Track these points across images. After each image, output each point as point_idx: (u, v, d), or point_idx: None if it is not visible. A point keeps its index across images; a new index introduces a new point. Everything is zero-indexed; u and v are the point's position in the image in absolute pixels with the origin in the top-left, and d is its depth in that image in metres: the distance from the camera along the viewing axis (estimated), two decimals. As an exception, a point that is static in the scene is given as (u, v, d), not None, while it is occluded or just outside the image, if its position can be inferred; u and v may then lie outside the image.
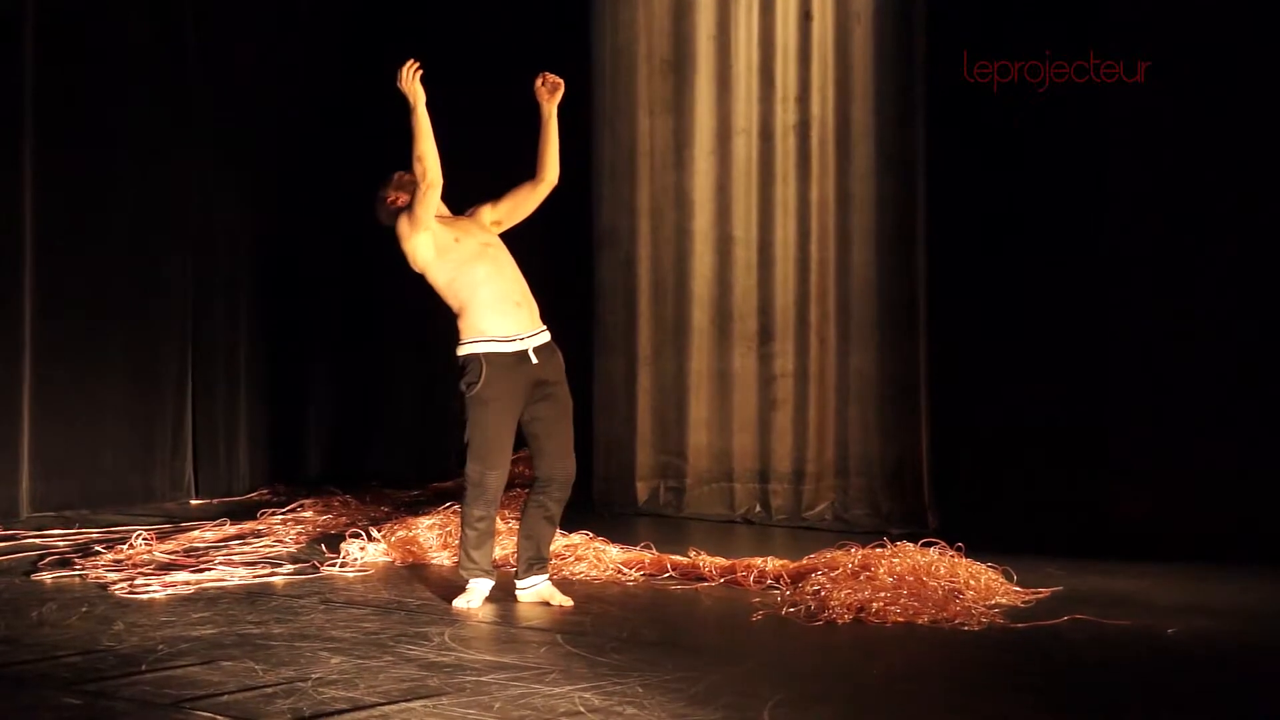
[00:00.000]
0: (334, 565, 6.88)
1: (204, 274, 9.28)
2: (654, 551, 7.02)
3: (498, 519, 6.37)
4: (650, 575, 6.79)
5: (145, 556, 6.95)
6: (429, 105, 5.99)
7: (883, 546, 6.49)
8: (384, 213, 6.26)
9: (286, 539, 7.59)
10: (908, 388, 8.42)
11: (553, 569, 6.46)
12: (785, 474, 8.75)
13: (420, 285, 6.28)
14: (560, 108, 6.29)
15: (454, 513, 7.32)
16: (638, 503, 9.07)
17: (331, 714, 4.44)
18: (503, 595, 6.18)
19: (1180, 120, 7.95)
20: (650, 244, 9.13)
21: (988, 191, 8.43)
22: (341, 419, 10.16)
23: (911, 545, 6.52)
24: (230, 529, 7.76)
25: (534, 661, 5.12)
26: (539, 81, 6.28)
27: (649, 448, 9.12)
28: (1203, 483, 7.80)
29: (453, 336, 6.16)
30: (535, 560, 6.19)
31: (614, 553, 7.03)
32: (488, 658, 5.19)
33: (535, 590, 6.17)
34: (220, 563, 6.86)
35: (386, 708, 4.50)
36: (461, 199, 6.39)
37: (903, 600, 5.92)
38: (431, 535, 7.26)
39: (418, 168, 6.01)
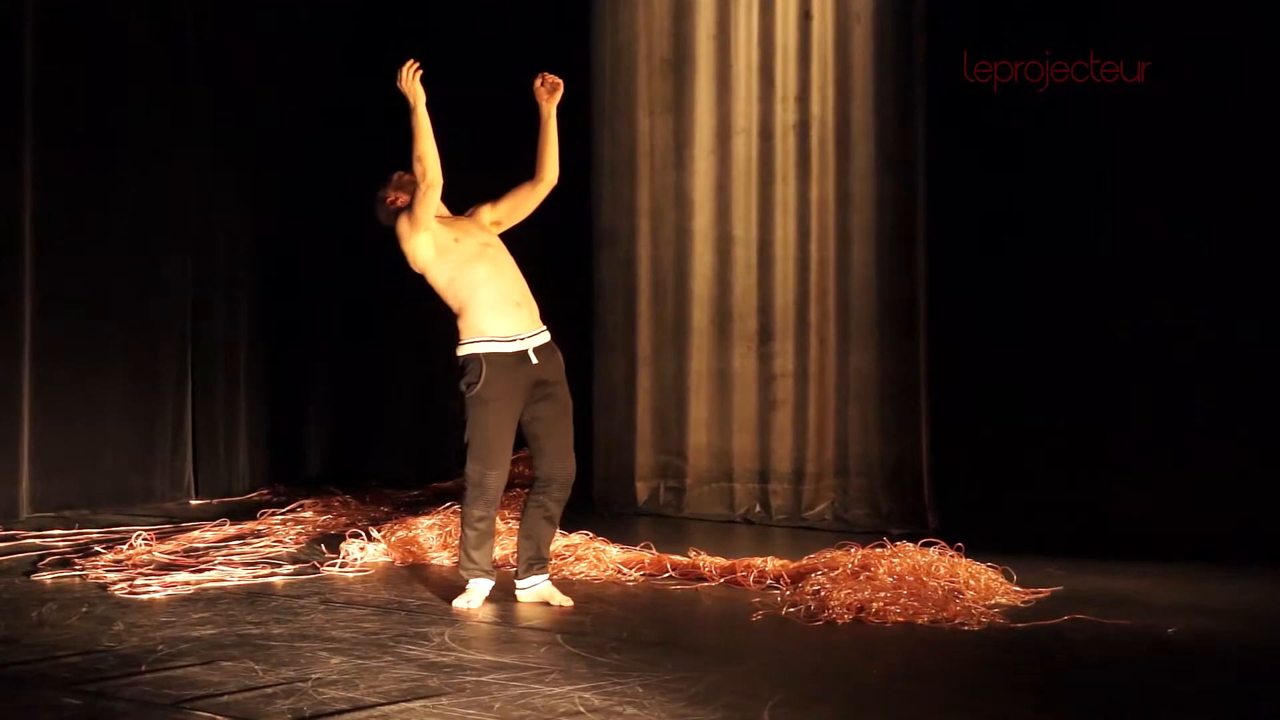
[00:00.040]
0: (334, 565, 6.88)
1: (204, 274, 9.28)
2: (654, 551, 7.02)
3: (498, 519, 6.37)
4: (650, 575, 6.79)
5: (145, 557, 6.95)
6: (429, 105, 5.99)
7: (883, 546, 6.50)
8: (384, 213, 6.26)
9: (286, 539, 7.59)
10: (908, 388, 8.42)
11: (553, 569, 6.46)
12: (785, 474, 8.75)
13: (420, 285, 6.28)
14: (560, 108, 6.29)
15: (454, 513, 7.32)
16: (638, 503, 9.07)
17: (331, 714, 4.44)
18: (503, 595, 6.18)
19: (1180, 120, 7.95)
20: (650, 244, 9.13)
21: (988, 191, 8.43)
22: (341, 419, 10.16)
23: (911, 545, 6.52)
24: (230, 529, 7.76)
25: (534, 661, 5.12)
26: (538, 82, 6.28)
27: (649, 448, 9.12)
28: (1203, 483, 7.80)
29: (453, 336, 6.16)
30: (535, 560, 6.19)
31: (614, 553, 7.03)
32: (488, 658, 5.19)
33: (535, 590, 6.17)
34: (220, 563, 6.86)
35: (386, 708, 4.50)
36: (461, 199, 6.39)
37: (903, 600, 5.92)
38: (431, 535, 7.26)
39: (418, 168, 6.01)
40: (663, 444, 9.10)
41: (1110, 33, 8.10)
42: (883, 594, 5.96)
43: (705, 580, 6.69)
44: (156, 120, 8.98)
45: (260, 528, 7.85)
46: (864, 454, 8.56)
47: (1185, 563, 7.16)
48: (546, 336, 6.18)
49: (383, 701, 4.57)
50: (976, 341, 8.41)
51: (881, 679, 5.08)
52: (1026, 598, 6.25)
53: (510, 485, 6.97)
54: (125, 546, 7.12)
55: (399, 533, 7.30)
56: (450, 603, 6.09)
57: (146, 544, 7.21)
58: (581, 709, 4.51)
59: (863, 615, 5.85)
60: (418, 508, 8.29)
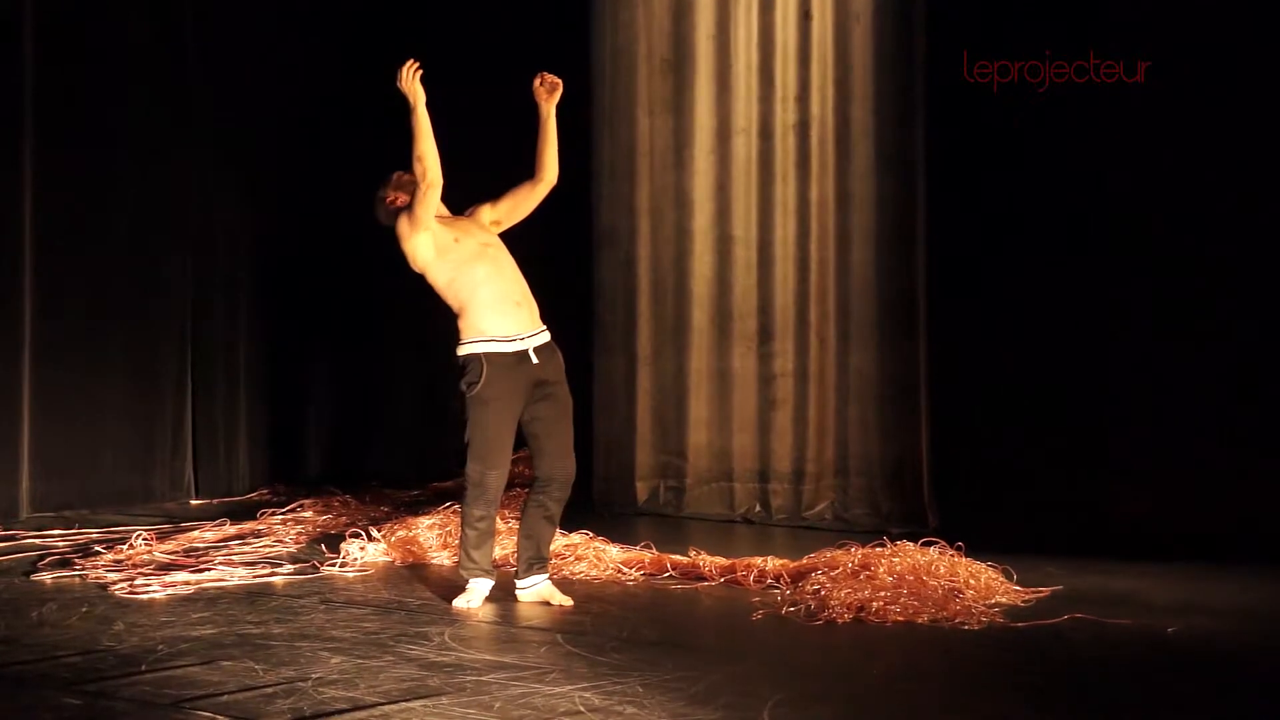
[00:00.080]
0: (334, 565, 6.88)
1: (204, 274, 9.28)
2: (654, 551, 7.02)
3: (498, 519, 6.37)
4: (650, 575, 6.79)
5: (145, 557, 6.95)
6: (429, 105, 5.99)
7: (883, 546, 6.50)
8: (383, 213, 6.26)
9: (286, 539, 7.59)
10: (908, 388, 8.42)
11: (553, 569, 6.46)
12: (785, 474, 8.75)
13: (420, 285, 6.28)
14: (560, 108, 6.29)
15: (454, 513, 7.33)
16: (638, 502, 9.07)
17: (331, 714, 4.44)
18: (503, 595, 6.18)
19: (1180, 120, 7.95)
20: (650, 244, 9.13)
21: (988, 191, 8.43)
22: (341, 419, 10.16)
23: (911, 545, 6.52)
24: (230, 529, 7.76)
25: (534, 661, 5.12)
26: (537, 81, 6.29)
27: (649, 448, 9.12)
28: (1203, 483, 7.80)
29: (453, 336, 6.16)
30: (535, 560, 6.19)
31: (614, 552, 7.03)
32: (488, 658, 5.19)
33: (535, 590, 6.17)
34: (220, 563, 6.86)
35: (386, 708, 4.51)
36: (461, 199, 6.39)
37: (903, 599, 5.92)
38: (431, 535, 7.26)
39: (418, 167, 6.01)
40: (663, 444, 9.10)
41: (1110, 33, 8.10)
42: (883, 593, 5.96)
43: (705, 580, 6.69)
44: (156, 120, 8.98)
45: (260, 528, 7.85)
46: (864, 454, 8.56)
47: (1185, 563, 7.16)
48: (547, 336, 6.18)
49: (383, 701, 4.57)
50: (976, 341, 8.41)
51: (881, 678, 5.08)
52: (1026, 597, 6.25)
53: (510, 485, 6.97)
54: (125, 546, 7.12)
55: (399, 533, 7.30)
56: (450, 602, 6.09)
57: (146, 544, 7.21)
58: (581, 709, 4.51)
59: (863, 615, 5.85)
60: (418, 508, 8.29)
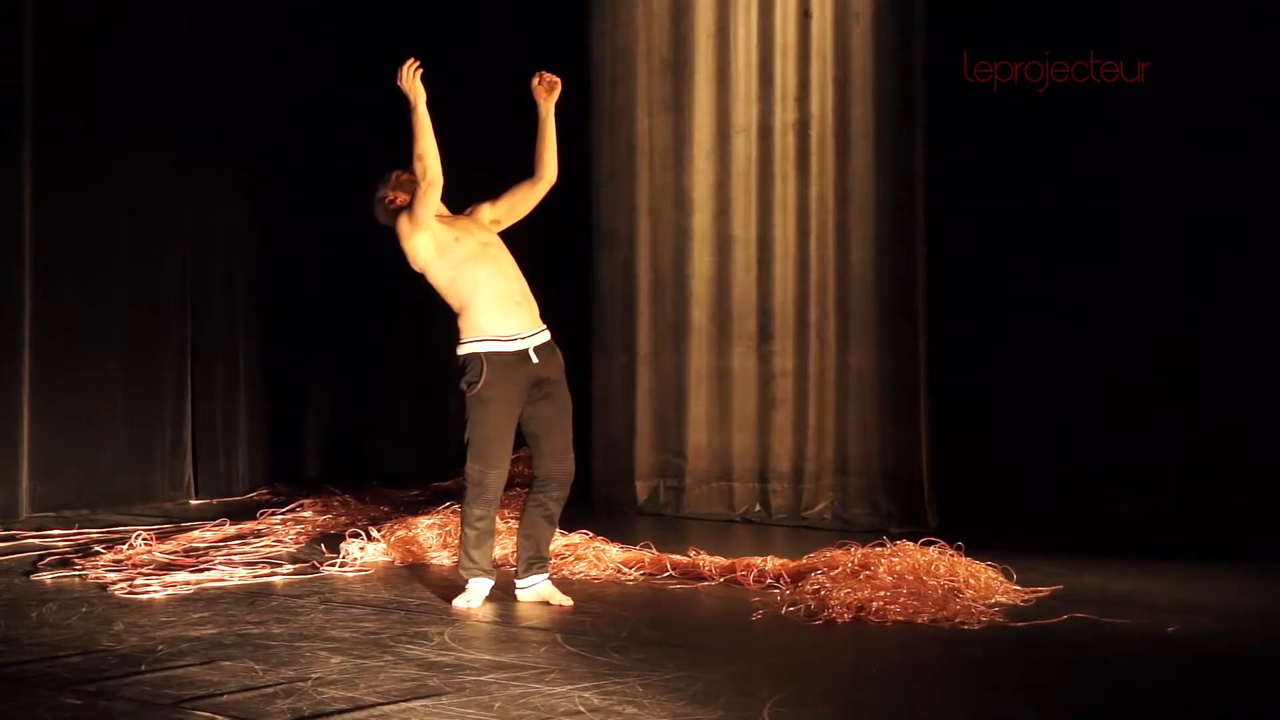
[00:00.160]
0: (334, 565, 6.88)
1: (204, 274, 9.28)
2: (653, 551, 7.02)
3: (497, 518, 6.37)
4: (650, 575, 6.79)
5: (145, 556, 6.95)
6: (429, 104, 5.99)
7: (882, 545, 6.50)
8: (382, 212, 6.26)
9: (286, 539, 7.59)
10: (908, 387, 8.41)
11: (552, 568, 6.46)
12: (785, 473, 8.75)
13: (420, 285, 6.28)
14: (560, 107, 6.29)
15: (454, 512, 7.32)
16: (637, 502, 9.07)
17: (331, 714, 4.44)
18: (502, 595, 6.18)
19: (1180, 120, 7.96)
20: (649, 243, 9.13)
21: (988, 191, 8.44)
22: (341, 419, 10.16)
23: (911, 544, 6.51)
24: (230, 529, 7.76)
25: (534, 661, 5.12)
26: (536, 80, 6.29)
27: (648, 447, 9.12)
28: (1203, 483, 7.81)
29: (453, 336, 6.16)
30: (535, 560, 6.19)
31: (613, 552, 7.03)
32: (487, 657, 5.19)
33: (535, 590, 6.17)
34: (220, 563, 6.86)
35: (386, 708, 4.50)
36: (461, 199, 6.38)
37: (902, 599, 5.92)
38: (431, 535, 7.26)
39: (418, 166, 6.01)
40: (662, 443, 9.10)
41: (1110, 33, 8.11)
42: (882, 593, 5.96)
43: (705, 579, 6.69)
44: (156, 120, 8.97)
45: (260, 527, 7.85)
46: (864, 453, 8.55)
47: (1185, 563, 7.16)
48: (547, 336, 6.18)
49: (383, 701, 4.57)
50: (976, 341, 8.41)
51: (881, 678, 5.08)
52: (1026, 596, 6.25)
53: (510, 485, 6.96)
54: (125, 546, 7.12)
55: (399, 532, 7.30)
56: (450, 602, 6.08)
57: (146, 544, 7.21)
58: (581, 708, 4.51)
59: (862, 614, 5.85)
60: (418, 507, 8.29)
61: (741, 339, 8.90)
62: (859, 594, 5.96)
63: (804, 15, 8.71)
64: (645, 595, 6.46)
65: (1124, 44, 8.01)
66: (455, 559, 6.51)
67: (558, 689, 4.72)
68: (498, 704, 4.54)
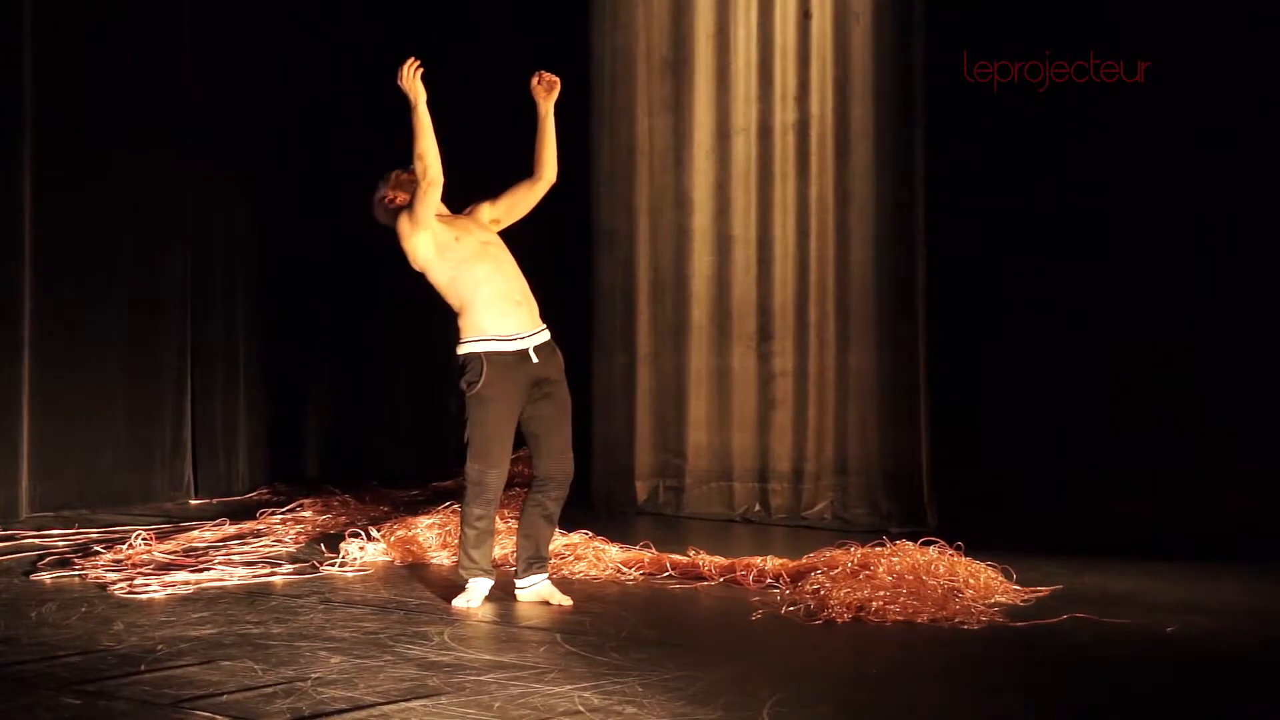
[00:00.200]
0: (334, 565, 6.87)
1: (204, 274, 9.28)
2: (653, 551, 7.01)
3: (497, 518, 6.37)
4: (649, 574, 6.79)
5: (145, 556, 6.95)
6: (429, 104, 5.99)
7: (882, 545, 6.49)
8: (382, 211, 6.26)
9: (286, 539, 7.59)
10: (908, 387, 8.41)
11: (552, 568, 6.46)
12: (784, 473, 8.75)
13: (420, 285, 6.28)
14: (559, 107, 6.29)
15: (453, 512, 7.32)
16: (637, 502, 9.06)
17: (331, 714, 4.44)
18: (502, 595, 6.18)
19: (1180, 120, 7.96)
20: (649, 243, 9.13)
21: (988, 191, 8.44)
22: (341, 419, 10.16)
23: (911, 544, 6.51)
24: (230, 529, 7.75)
25: (534, 661, 5.12)
26: (535, 80, 6.29)
27: (648, 447, 9.12)
28: (1203, 483, 7.81)
29: (453, 336, 6.16)
30: (534, 559, 6.19)
31: (613, 552, 7.03)
32: (487, 657, 5.18)
33: (534, 589, 6.17)
34: (220, 563, 6.85)
35: (386, 707, 4.50)
36: (461, 199, 6.38)
37: (902, 599, 5.92)
38: (431, 535, 7.26)
39: (418, 166, 6.01)
40: (662, 443, 9.10)
41: (1110, 33, 8.11)
42: (882, 593, 5.96)
43: (705, 579, 6.69)
44: (156, 120, 8.97)
45: (260, 527, 7.85)
46: (863, 453, 8.55)
47: (1185, 563, 7.16)
48: (547, 335, 6.17)
49: (382, 701, 4.57)
50: (976, 341, 8.41)
51: (881, 678, 5.08)
52: (1026, 596, 6.25)
53: (510, 484, 6.95)
54: (125, 546, 7.11)
55: (399, 532, 7.30)
56: (450, 602, 6.08)
57: (146, 544, 7.21)
58: (581, 708, 4.51)
59: (862, 614, 5.85)
60: (417, 507, 8.29)
61: (741, 339, 8.90)
62: (859, 594, 5.96)
63: (804, 15, 8.71)
64: (645, 595, 6.46)
65: (1124, 44, 8.02)
66: (455, 559, 6.51)
67: (557, 689, 4.72)
68: (497, 704, 4.54)
